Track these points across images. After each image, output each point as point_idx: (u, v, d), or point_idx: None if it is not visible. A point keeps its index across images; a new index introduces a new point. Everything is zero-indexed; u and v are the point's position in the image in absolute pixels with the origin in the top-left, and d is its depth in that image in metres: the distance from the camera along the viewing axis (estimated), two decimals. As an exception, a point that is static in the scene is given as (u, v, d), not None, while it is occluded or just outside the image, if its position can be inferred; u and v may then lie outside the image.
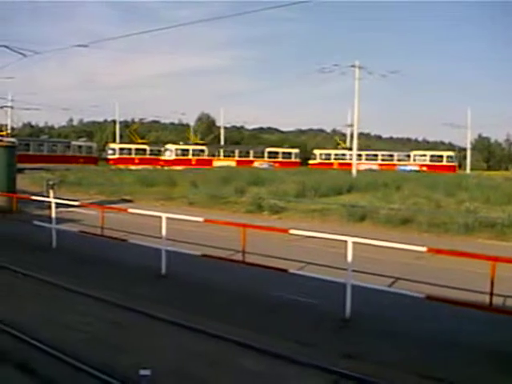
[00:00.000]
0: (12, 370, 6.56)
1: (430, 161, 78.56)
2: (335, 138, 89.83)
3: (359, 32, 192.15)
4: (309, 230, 11.48)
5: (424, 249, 9.07)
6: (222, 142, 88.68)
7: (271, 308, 9.58)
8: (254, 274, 11.16)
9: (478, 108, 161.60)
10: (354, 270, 9.07)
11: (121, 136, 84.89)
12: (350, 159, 78.39)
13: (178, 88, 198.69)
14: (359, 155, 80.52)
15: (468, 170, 77.25)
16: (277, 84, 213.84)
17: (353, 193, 30.78)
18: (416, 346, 7.81)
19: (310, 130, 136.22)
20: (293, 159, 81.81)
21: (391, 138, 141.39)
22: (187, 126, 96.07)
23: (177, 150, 74.19)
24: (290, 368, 6.89)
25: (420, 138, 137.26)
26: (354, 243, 9.01)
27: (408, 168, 69.58)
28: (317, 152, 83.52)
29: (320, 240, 11.48)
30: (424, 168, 72.86)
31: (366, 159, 76.29)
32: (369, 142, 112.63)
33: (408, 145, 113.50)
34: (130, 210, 15.19)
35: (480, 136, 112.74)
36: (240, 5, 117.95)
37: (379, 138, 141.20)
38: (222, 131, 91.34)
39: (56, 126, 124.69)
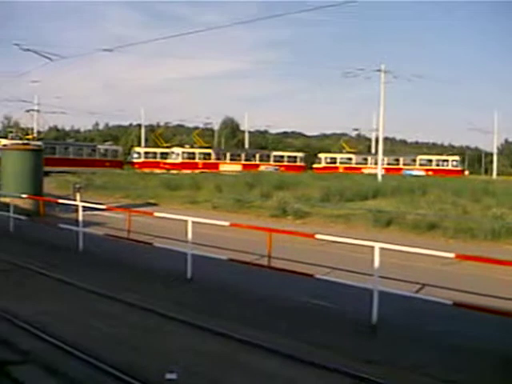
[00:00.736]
0: (37, 369, 6.60)
1: (436, 165, 78.09)
2: (341, 142, 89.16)
3: (385, 34, 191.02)
4: (334, 235, 11.42)
5: (452, 255, 8.95)
6: (247, 146, 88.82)
7: (296, 313, 9.55)
8: (279, 278, 11.13)
9: (504, 112, 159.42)
10: (380, 276, 9.00)
11: (146, 140, 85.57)
12: (356, 163, 78.58)
13: (203, 92, 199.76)
14: (365, 159, 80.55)
15: (494, 175, 76.51)
16: (301, 88, 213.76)
17: (378, 198, 30.57)
18: (442, 352, 7.72)
19: (334, 134, 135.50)
20: (298, 163, 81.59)
21: (417, 143, 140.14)
22: (211, 130, 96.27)
23: (183, 153, 72.69)
24: (313, 372, 6.84)
25: (446, 143, 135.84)
26: (381, 249, 8.95)
27: (414, 172, 68.83)
28: (322, 156, 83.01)
29: (346, 245, 11.41)
30: (430, 172, 72.31)
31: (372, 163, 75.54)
32: (394, 146, 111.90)
33: (433, 149, 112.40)
34: (156, 214, 15.23)
35: (506, 141, 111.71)
36: (265, 8, 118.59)
37: (404, 142, 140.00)
38: (247, 135, 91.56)
39: (82, 130, 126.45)
